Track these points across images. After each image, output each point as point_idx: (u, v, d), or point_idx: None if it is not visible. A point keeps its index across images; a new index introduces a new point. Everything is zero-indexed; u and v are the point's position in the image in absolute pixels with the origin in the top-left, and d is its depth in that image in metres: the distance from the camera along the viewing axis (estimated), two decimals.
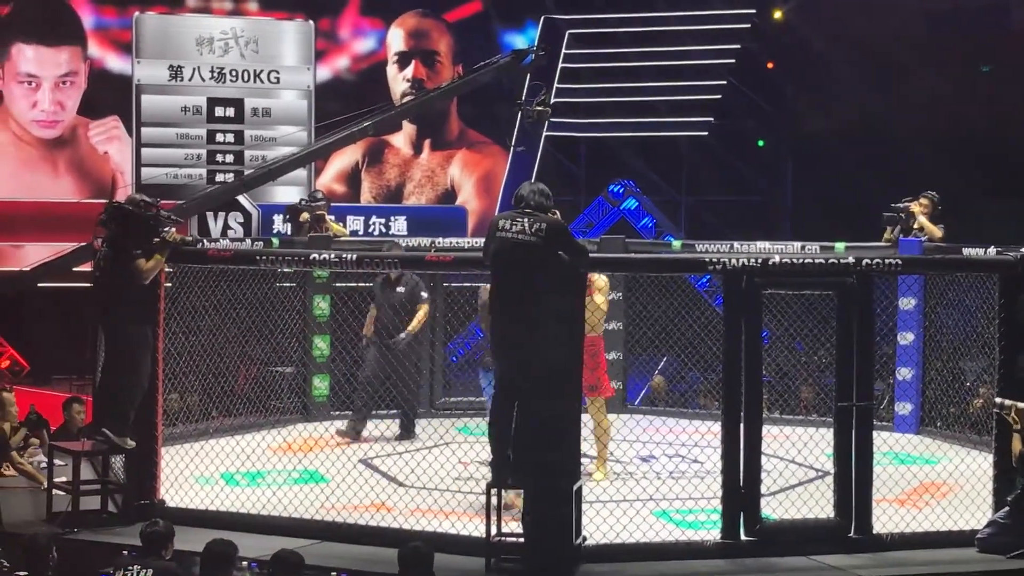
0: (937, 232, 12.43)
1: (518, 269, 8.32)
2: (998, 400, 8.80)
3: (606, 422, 10.39)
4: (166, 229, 9.38)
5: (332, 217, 13.94)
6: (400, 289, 12.04)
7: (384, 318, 12.04)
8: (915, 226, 12.46)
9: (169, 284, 9.90)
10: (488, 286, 9.21)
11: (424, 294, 12.15)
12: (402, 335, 11.98)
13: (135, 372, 9.26)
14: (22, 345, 17.97)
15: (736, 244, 13.41)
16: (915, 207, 12.54)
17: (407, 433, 12.07)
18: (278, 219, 17.41)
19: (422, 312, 12.13)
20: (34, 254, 17.50)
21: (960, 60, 19.79)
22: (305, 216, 13.43)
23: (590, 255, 8.77)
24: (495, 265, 8.44)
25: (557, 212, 8.90)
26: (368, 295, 12.36)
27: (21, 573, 7.45)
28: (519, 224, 8.32)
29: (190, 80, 19.28)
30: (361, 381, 12.10)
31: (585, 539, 8.41)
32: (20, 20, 19.04)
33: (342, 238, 13.75)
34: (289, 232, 13.84)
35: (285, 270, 11.60)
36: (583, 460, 10.27)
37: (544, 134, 20.05)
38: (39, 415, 12.39)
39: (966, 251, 12.00)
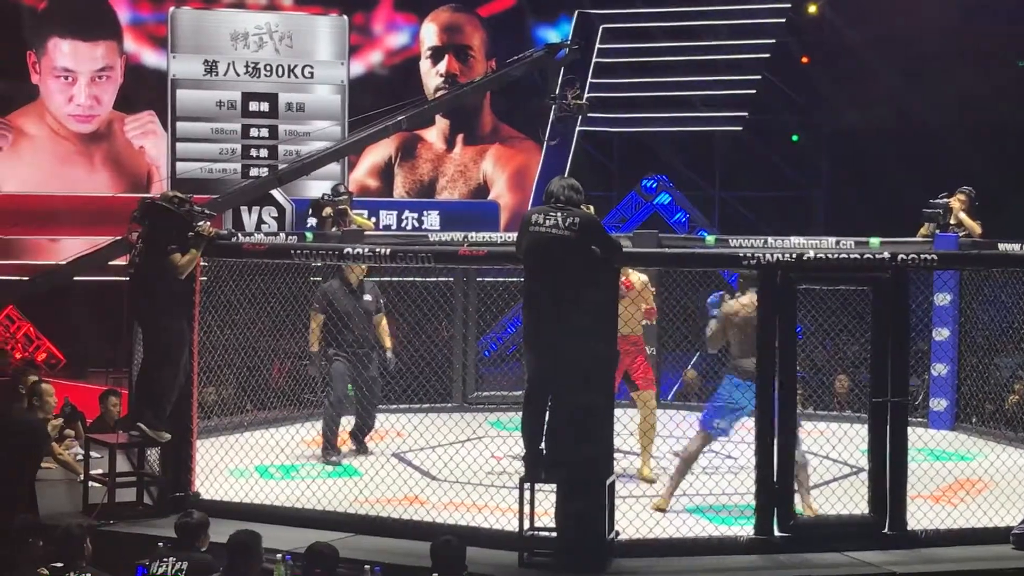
0: (977, 228, 12.36)
1: (551, 263, 8.31)
2: None
3: (653, 418, 10.39)
4: (200, 224, 9.42)
5: (365, 212, 13.92)
6: (367, 297, 11.36)
7: (355, 327, 11.19)
8: (953, 222, 12.39)
9: (204, 278, 9.94)
10: (733, 301, 9.26)
11: (382, 302, 11.53)
12: (390, 355, 11.43)
13: (172, 366, 9.31)
14: (58, 338, 18.12)
15: (770, 239, 13.37)
16: (954, 203, 12.47)
17: (362, 447, 11.35)
18: None
19: (385, 323, 11.50)
20: (70, 248, 17.61)
21: (996, 54, 19.68)
22: (328, 211, 13.39)
23: (623, 250, 8.77)
24: (528, 260, 8.44)
25: (591, 207, 8.89)
26: (404, 288, 12.12)
27: (56, 564, 7.50)
28: (552, 218, 8.31)
29: (225, 75, 19.37)
30: (338, 401, 11.14)
31: (618, 534, 8.41)
32: (57, 15, 19.17)
33: (368, 231, 13.75)
34: (313, 226, 13.83)
35: (315, 264, 11.57)
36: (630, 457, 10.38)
37: (577, 129, 20.05)
38: (74, 407, 12.47)
39: (1002, 246, 11.94)
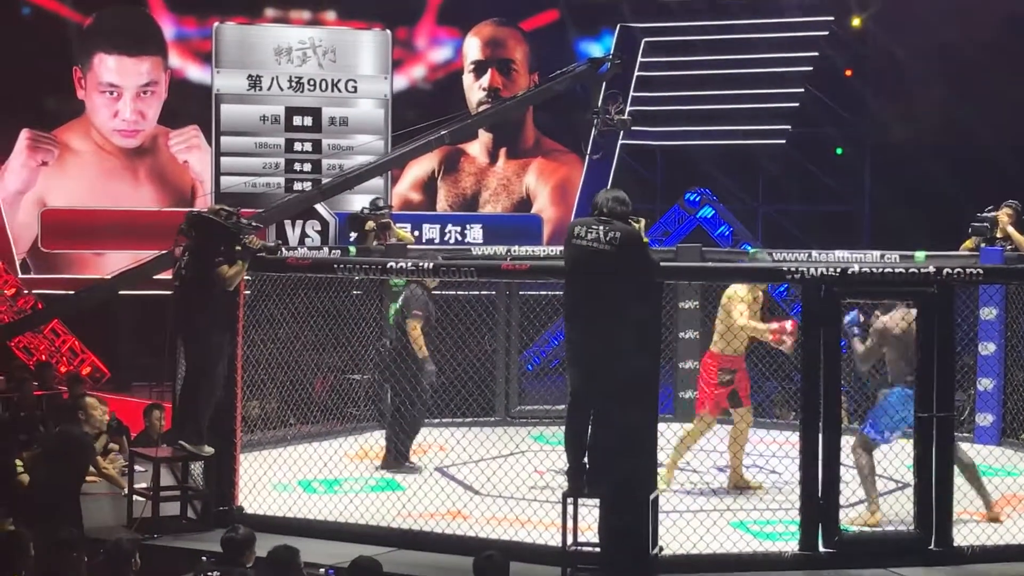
0: None
1: (592, 277, 8.29)
2: None
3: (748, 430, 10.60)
4: (247, 236, 9.46)
5: (408, 226, 13.94)
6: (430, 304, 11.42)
7: (432, 333, 11.35)
8: (1000, 235, 12.28)
9: (248, 292, 9.97)
10: (888, 315, 9.35)
11: (417, 312, 11.28)
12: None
13: (209, 380, 9.34)
14: (103, 352, 18.22)
15: (814, 253, 13.30)
16: (1002, 216, 12.37)
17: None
18: None
19: (416, 332, 11.30)
20: (115, 262, 17.71)
21: None
22: (371, 224, 13.40)
23: (664, 264, 8.75)
24: (570, 273, 8.43)
25: (643, 220, 8.85)
26: (446, 301, 12.11)
27: None
28: (594, 232, 8.28)
29: (269, 89, 19.46)
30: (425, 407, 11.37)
31: (662, 549, 8.37)
32: (102, 30, 19.33)
33: (410, 244, 13.77)
34: (352, 240, 13.87)
35: (356, 278, 11.57)
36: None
37: (620, 142, 20.03)
38: (119, 421, 12.55)
39: None
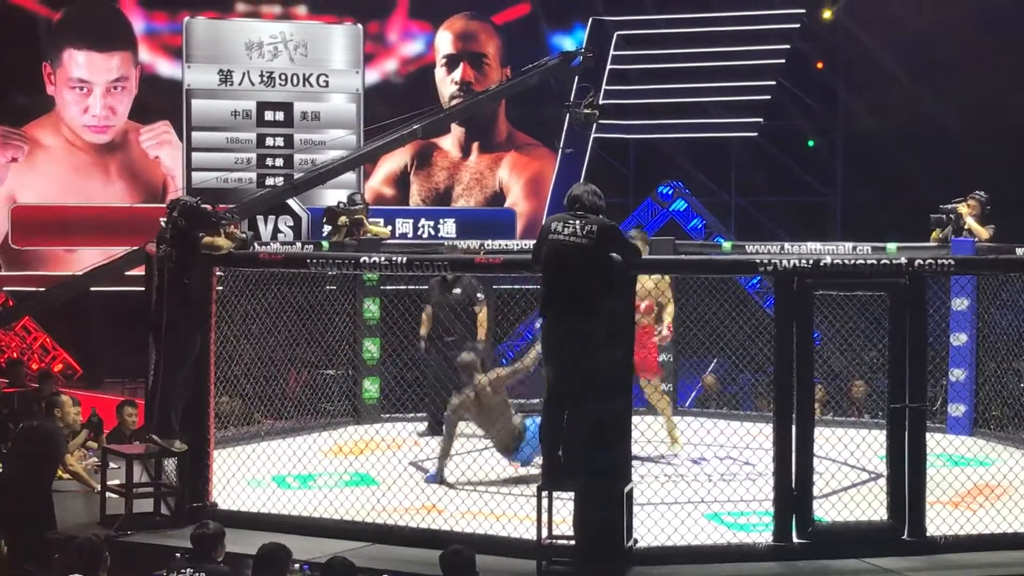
0: (985, 233, 12.31)
1: (570, 272, 8.30)
2: None
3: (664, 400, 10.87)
4: (228, 227, 9.51)
5: (381, 221, 13.90)
6: (456, 291, 12.06)
7: (440, 318, 12.06)
8: (965, 227, 12.35)
9: (220, 288, 9.93)
10: None
11: (480, 295, 12.10)
12: (469, 344, 11.77)
13: (180, 375, 9.30)
14: (75, 349, 18.15)
15: (787, 245, 13.33)
16: (963, 208, 12.43)
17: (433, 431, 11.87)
18: None
19: (483, 315, 12.13)
20: (87, 258, 17.66)
21: (1014, 57, 19.60)
22: (344, 220, 13.36)
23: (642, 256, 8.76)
24: (547, 268, 8.42)
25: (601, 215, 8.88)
26: (420, 296, 12.34)
27: None
28: (571, 226, 8.31)
29: (240, 84, 19.39)
30: (431, 387, 12.00)
31: (636, 542, 8.38)
32: (72, 26, 19.23)
33: (386, 239, 13.74)
34: (326, 235, 13.84)
35: (330, 273, 11.57)
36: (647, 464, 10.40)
37: (592, 136, 20.04)
38: (100, 418, 12.52)
39: (1020, 251, 11.90)
